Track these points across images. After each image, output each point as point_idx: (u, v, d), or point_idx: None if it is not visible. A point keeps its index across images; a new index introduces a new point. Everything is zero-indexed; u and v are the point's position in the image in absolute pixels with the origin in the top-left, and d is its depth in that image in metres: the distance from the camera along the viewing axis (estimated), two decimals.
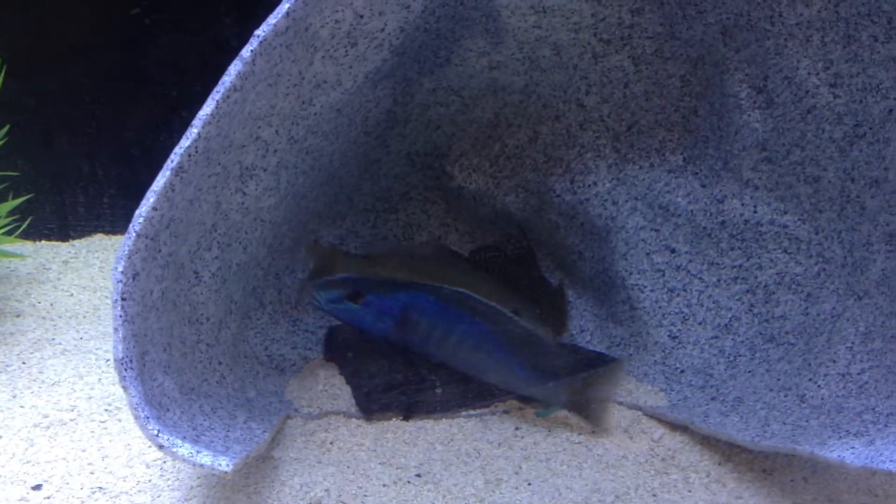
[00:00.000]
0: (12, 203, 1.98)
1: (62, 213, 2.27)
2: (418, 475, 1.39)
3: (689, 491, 1.37)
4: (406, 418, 1.56)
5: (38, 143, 2.21)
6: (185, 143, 1.14)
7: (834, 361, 1.45)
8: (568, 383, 1.52)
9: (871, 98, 1.42)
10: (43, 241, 2.27)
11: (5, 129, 1.98)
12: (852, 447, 1.21)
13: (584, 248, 1.86)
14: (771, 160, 1.60)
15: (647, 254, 1.77)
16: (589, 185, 1.81)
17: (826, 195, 1.54)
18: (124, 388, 1.08)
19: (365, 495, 1.32)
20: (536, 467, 1.43)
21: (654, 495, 1.36)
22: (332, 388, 1.64)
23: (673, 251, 1.75)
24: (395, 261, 1.75)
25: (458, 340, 1.61)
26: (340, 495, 1.31)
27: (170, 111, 2.22)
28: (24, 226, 2.07)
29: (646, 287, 1.76)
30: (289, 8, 1.18)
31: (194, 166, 1.16)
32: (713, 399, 1.57)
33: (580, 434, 1.53)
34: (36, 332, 1.80)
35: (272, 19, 1.17)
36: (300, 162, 1.48)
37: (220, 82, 1.15)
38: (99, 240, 2.28)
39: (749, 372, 1.58)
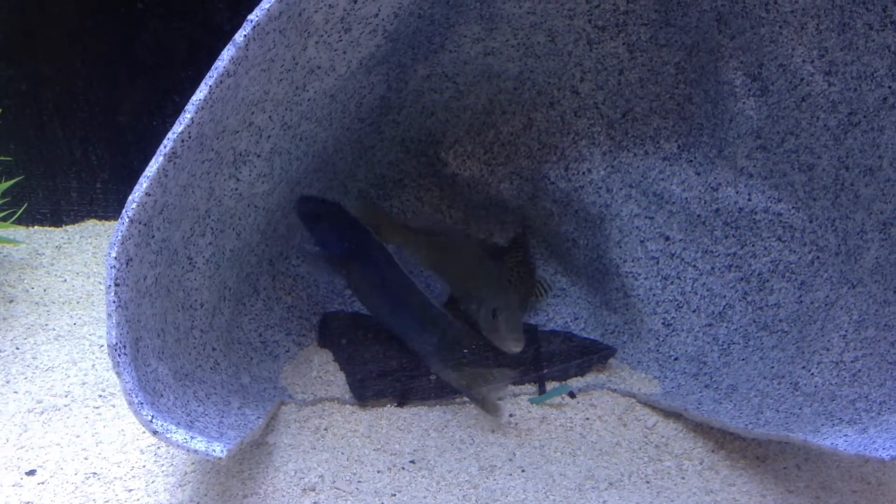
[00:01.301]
0: (3, 185, 1.97)
1: (55, 199, 2.26)
2: (412, 461, 1.39)
3: (683, 478, 1.38)
4: (400, 405, 1.56)
5: (30, 128, 2.20)
6: (178, 128, 1.13)
7: (827, 349, 1.45)
8: (463, 373, 1.53)
9: (865, 86, 1.42)
10: (36, 227, 2.26)
11: None
12: (845, 435, 1.21)
13: (578, 236, 1.86)
14: (765, 148, 1.60)
15: (642, 241, 1.77)
16: (583, 173, 1.81)
17: (820, 183, 1.54)
18: (118, 373, 1.07)
19: (359, 481, 1.32)
20: (530, 454, 1.43)
21: (648, 482, 1.36)
22: (326, 374, 1.64)
23: (667, 239, 1.75)
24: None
25: (379, 298, 1.65)
26: (335, 481, 1.31)
27: (163, 96, 2.21)
28: (19, 212, 2.06)
29: (640, 275, 1.76)
30: None
31: (188, 152, 1.16)
32: (707, 387, 1.57)
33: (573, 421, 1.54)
34: (29, 317, 1.80)
35: (265, 4, 1.16)
36: (294, 148, 1.48)
37: (213, 67, 1.15)
38: (92, 225, 2.28)
39: (743, 360, 1.58)
